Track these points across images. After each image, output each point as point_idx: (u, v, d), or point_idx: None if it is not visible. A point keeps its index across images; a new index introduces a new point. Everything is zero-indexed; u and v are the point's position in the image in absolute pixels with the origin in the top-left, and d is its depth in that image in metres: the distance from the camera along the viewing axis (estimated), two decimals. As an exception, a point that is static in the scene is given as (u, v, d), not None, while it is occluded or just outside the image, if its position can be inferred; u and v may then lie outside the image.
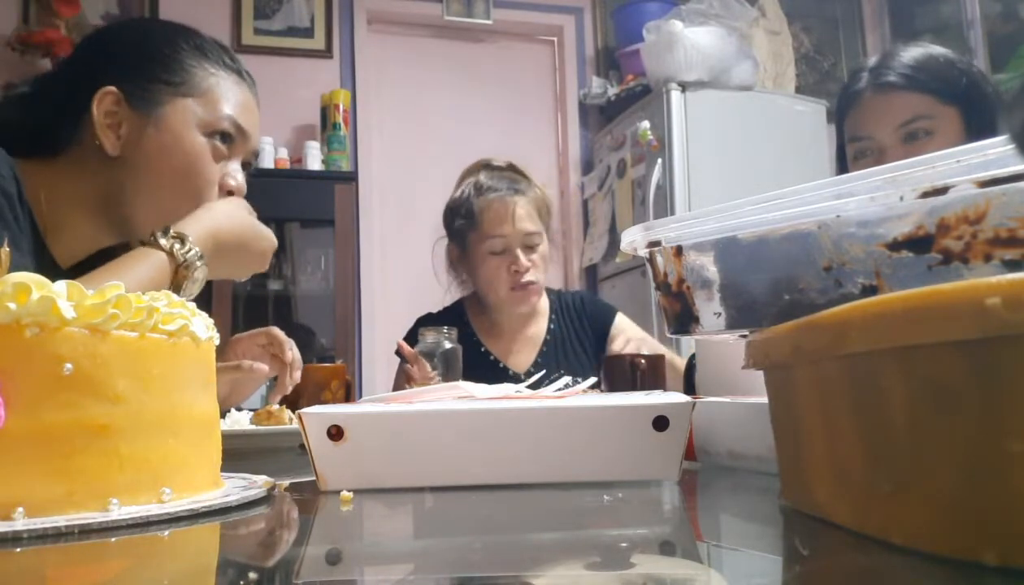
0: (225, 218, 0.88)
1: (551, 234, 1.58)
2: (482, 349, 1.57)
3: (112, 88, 0.86)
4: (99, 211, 0.88)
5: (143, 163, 0.87)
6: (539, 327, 1.61)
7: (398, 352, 1.59)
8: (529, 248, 1.50)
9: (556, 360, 1.56)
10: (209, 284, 3.19)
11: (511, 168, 1.58)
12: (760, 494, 0.49)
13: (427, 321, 1.57)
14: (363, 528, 0.43)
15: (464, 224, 1.52)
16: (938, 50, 1.18)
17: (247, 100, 0.94)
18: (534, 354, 1.58)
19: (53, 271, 0.87)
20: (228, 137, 0.91)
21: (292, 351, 1.08)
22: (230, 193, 0.92)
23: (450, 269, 1.62)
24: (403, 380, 1.53)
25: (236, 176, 0.93)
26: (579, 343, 1.60)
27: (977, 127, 1.11)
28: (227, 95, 0.91)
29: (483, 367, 1.50)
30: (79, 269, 0.92)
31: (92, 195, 0.88)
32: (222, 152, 0.91)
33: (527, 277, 1.49)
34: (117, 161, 0.86)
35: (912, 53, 1.17)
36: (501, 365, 1.57)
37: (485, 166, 1.58)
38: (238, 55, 0.98)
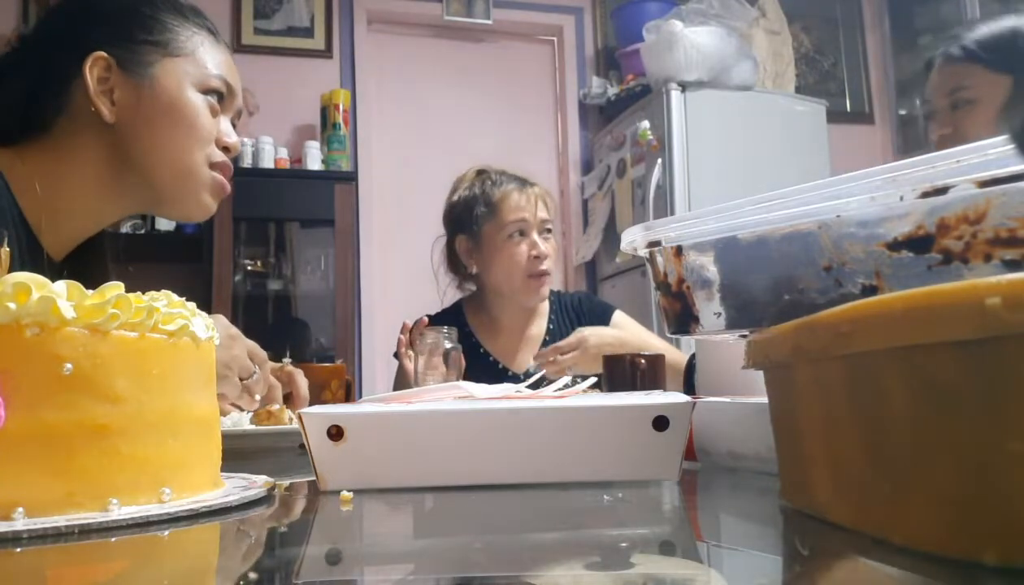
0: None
1: (556, 233, 1.60)
2: (481, 350, 1.58)
3: (103, 54, 0.84)
4: (109, 182, 0.87)
5: (142, 127, 0.86)
6: (539, 327, 1.61)
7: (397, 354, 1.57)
8: (545, 235, 1.53)
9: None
10: (209, 284, 3.16)
11: (506, 172, 1.60)
12: (760, 494, 0.49)
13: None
14: (363, 528, 0.43)
15: (482, 213, 1.54)
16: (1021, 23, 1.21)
17: (227, 58, 0.94)
18: (531, 354, 1.57)
19: (48, 269, 0.86)
20: (219, 95, 0.91)
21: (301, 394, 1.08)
22: (225, 149, 0.92)
23: (450, 269, 1.62)
24: (404, 380, 1.52)
25: (232, 134, 0.93)
26: None
27: None
28: (211, 54, 0.91)
29: (482, 368, 1.50)
30: (71, 262, 0.91)
31: (96, 167, 0.86)
32: (216, 109, 0.91)
33: (544, 265, 1.51)
34: (113, 129, 0.85)
35: (987, 27, 1.23)
36: (500, 365, 1.57)
37: (481, 171, 1.61)
38: (237, 54, 0.98)
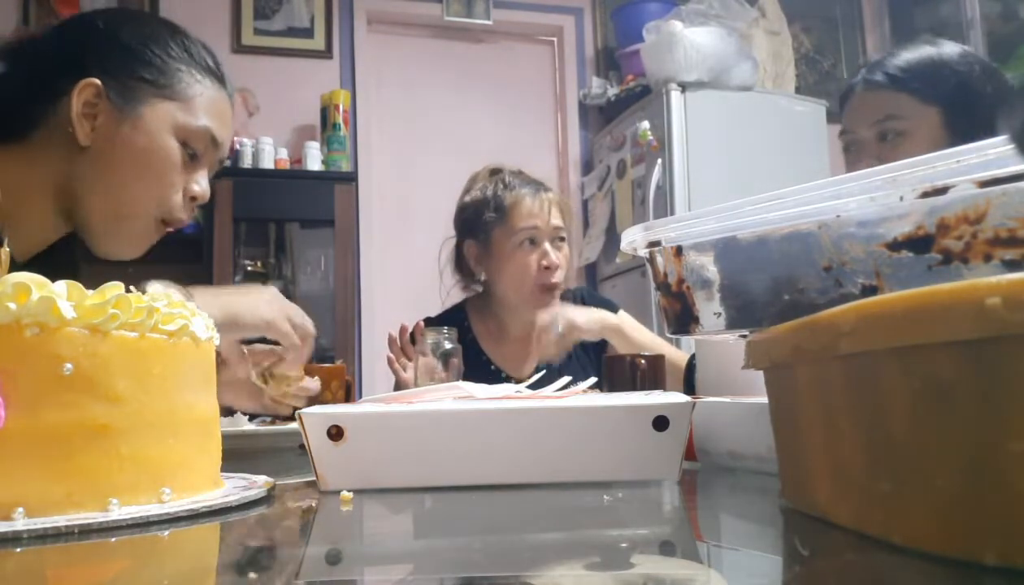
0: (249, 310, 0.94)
1: (570, 241, 1.54)
2: (483, 358, 1.53)
3: (95, 80, 0.84)
4: (53, 200, 0.87)
5: (112, 158, 0.86)
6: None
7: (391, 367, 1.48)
8: (557, 244, 1.48)
9: (559, 369, 1.52)
10: (209, 284, 3.17)
11: (522, 174, 1.55)
12: (760, 494, 0.49)
13: (427, 324, 1.53)
14: (363, 528, 0.43)
15: (492, 218, 1.48)
16: (944, 49, 1.16)
17: (225, 110, 0.94)
18: (535, 362, 1.53)
19: (11, 265, 0.86)
20: (202, 148, 0.91)
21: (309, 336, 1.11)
22: (193, 199, 0.92)
23: (457, 270, 1.58)
24: (403, 389, 1.47)
25: (201, 182, 0.93)
26: (581, 345, 1.56)
27: (961, 129, 1.10)
28: (208, 105, 0.91)
29: (482, 376, 1.46)
30: (38, 263, 0.91)
31: (50, 183, 0.87)
32: (188, 163, 0.91)
33: (555, 277, 1.45)
34: (84, 151, 0.86)
35: (908, 54, 1.16)
36: (504, 375, 1.52)
37: (496, 170, 1.55)
38: (232, 55, 0.98)
